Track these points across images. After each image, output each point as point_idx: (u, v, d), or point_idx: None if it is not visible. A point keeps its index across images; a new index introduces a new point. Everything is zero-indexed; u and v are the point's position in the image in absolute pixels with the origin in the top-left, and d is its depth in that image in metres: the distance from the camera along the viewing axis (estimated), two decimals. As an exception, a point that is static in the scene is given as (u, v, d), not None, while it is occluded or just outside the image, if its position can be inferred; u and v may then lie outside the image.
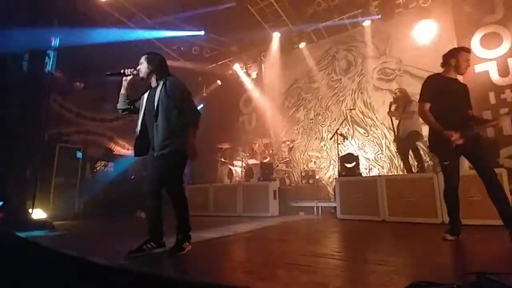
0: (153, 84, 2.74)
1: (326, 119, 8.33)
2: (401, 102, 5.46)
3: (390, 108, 5.58)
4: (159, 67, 2.73)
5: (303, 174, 7.64)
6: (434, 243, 3.08)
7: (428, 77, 3.01)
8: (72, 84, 8.15)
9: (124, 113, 2.84)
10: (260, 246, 3.16)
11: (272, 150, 8.43)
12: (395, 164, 7.00)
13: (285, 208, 6.47)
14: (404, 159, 5.37)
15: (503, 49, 5.98)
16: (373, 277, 1.86)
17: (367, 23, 7.64)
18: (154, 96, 2.65)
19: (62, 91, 7.68)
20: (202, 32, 8.65)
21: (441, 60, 3.04)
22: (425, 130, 4.21)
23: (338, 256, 2.57)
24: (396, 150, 5.92)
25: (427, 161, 5.62)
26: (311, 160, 8.37)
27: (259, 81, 9.75)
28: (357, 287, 1.70)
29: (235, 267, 2.18)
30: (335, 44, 8.43)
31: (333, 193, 6.58)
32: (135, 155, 2.73)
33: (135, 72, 2.71)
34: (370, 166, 7.22)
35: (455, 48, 3.06)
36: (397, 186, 4.75)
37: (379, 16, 7.34)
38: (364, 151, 7.48)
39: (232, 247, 3.17)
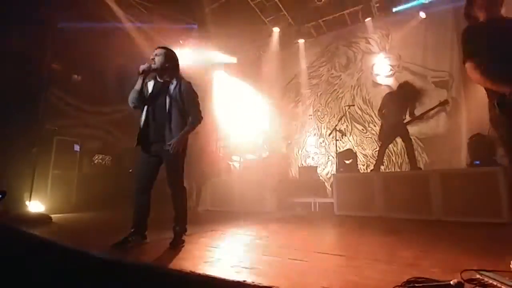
0: (161, 78, 2.80)
1: (325, 115, 8.33)
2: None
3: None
4: (176, 67, 2.81)
5: (301, 170, 7.65)
6: (430, 240, 3.11)
7: (466, 28, 2.15)
8: (70, 77, 8.07)
9: (136, 108, 2.80)
10: (256, 241, 3.17)
11: (270, 146, 8.42)
12: (392, 160, 7.02)
13: (282, 204, 6.48)
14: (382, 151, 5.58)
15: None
16: (369, 273, 1.88)
17: (367, 18, 7.58)
18: (167, 92, 2.70)
19: (60, 84, 7.61)
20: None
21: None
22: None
23: (334, 251, 2.59)
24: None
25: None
26: (309, 156, 8.37)
27: (258, 76, 9.70)
28: (353, 283, 1.71)
29: (230, 261, 2.19)
30: (335, 40, 8.37)
31: (330, 189, 6.60)
32: (138, 144, 2.75)
33: (150, 66, 2.69)
34: (368, 163, 7.24)
35: None
36: (394, 183, 4.77)
37: (379, 12, 7.30)
38: (362, 148, 7.50)
39: (228, 242, 3.18)
